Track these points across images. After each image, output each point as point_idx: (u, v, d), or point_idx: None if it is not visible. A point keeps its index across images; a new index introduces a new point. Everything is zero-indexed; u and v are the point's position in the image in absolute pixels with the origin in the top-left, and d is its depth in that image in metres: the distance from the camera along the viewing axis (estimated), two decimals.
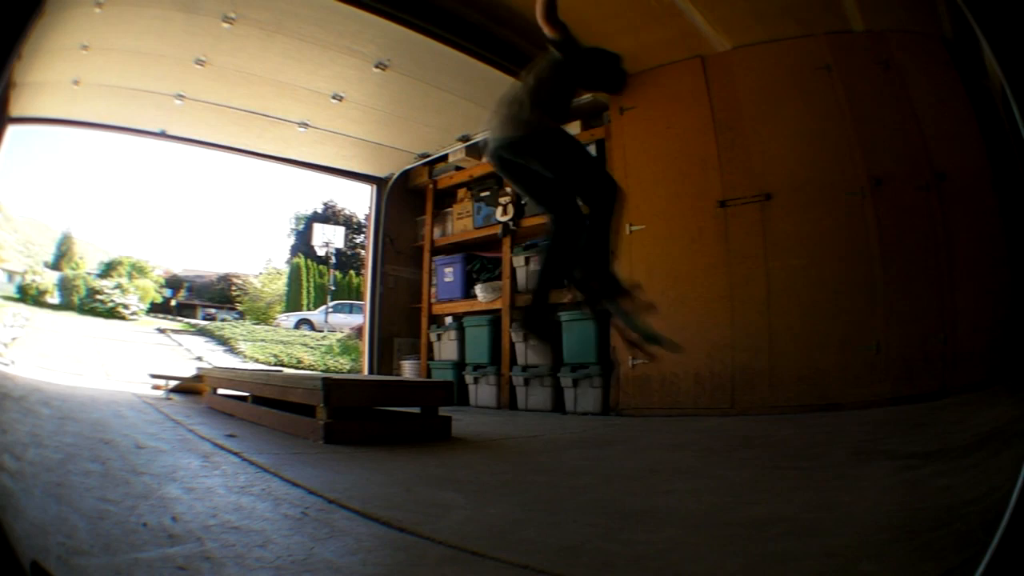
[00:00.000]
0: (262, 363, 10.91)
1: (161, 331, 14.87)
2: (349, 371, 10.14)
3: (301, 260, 21.82)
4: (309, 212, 26.15)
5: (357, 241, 23.14)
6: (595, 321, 4.19)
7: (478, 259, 5.68)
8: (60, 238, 20.64)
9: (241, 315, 20.53)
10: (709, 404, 3.66)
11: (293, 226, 26.80)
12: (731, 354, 3.63)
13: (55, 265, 19.07)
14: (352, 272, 21.26)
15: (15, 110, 4.49)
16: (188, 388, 4.80)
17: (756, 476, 2.00)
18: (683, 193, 4.01)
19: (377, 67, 4.30)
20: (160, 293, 20.55)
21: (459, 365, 5.41)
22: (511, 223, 5.27)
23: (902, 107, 3.34)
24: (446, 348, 5.62)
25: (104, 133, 5.55)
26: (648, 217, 4.06)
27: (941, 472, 1.73)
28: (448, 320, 5.85)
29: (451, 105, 4.84)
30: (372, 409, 3.26)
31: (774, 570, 1.14)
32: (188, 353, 11.23)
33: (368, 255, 6.47)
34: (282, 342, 13.40)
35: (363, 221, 23.18)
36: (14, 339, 8.00)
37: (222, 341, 13.20)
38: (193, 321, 19.16)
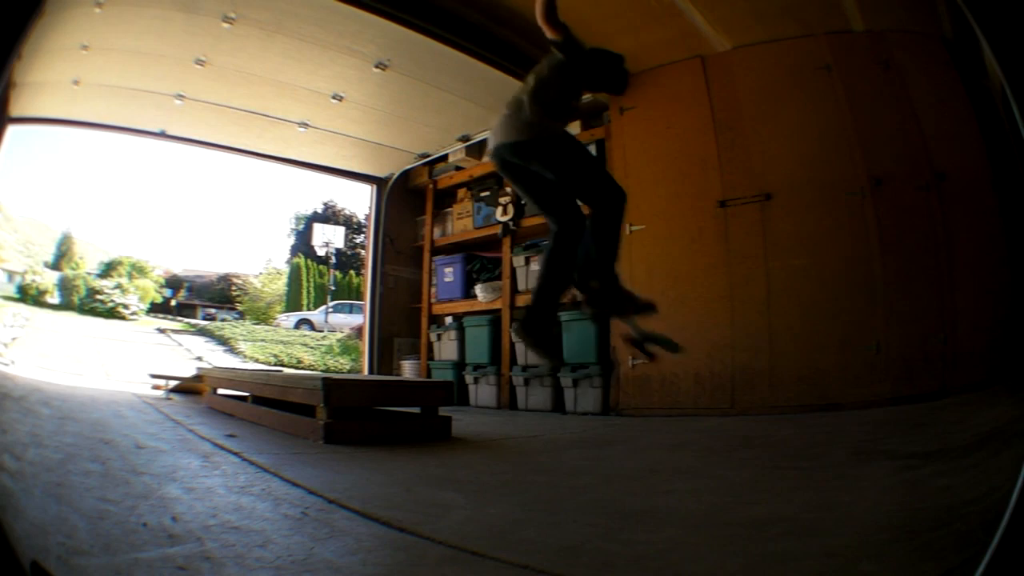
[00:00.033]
0: (262, 363, 10.91)
1: (161, 331, 14.87)
2: (349, 371, 10.14)
3: (301, 260, 21.83)
4: (309, 212, 26.16)
5: (357, 241, 23.15)
6: (595, 322, 4.19)
7: (478, 259, 5.68)
8: (60, 238, 20.66)
9: (241, 315, 20.54)
10: (709, 404, 3.66)
11: (293, 226, 26.81)
12: (731, 354, 3.63)
13: (55, 265, 19.07)
14: (352, 272, 21.27)
15: (15, 110, 4.49)
16: (188, 388, 4.80)
17: (756, 476, 2.00)
18: (683, 193, 4.01)
19: (377, 67, 4.30)
20: (160, 293, 20.56)
21: (459, 365, 5.41)
22: (511, 223, 5.27)
23: (902, 107, 3.34)
24: (446, 348, 5.62)
25: (104, 133, 5.56)
26: (648, 217, 4.05)
27: (941, 472, 1.73)
28: (448, 320, 5.85)
29: (451, 105, 4.84)
30: (372, 409, 3.26)
31: (774, 570, 1.14)
32: (188, 353, 11.23)
33: (368, 255, 6.47)
34: (282, 342, 13.40)
35: (363, 221, 23.19)
36: (14, 339, 8.00)
37: (222, 341, 13.20)
38: (193, 321, 19.16)
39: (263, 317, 19.52)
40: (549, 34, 2.64)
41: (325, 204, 25.94)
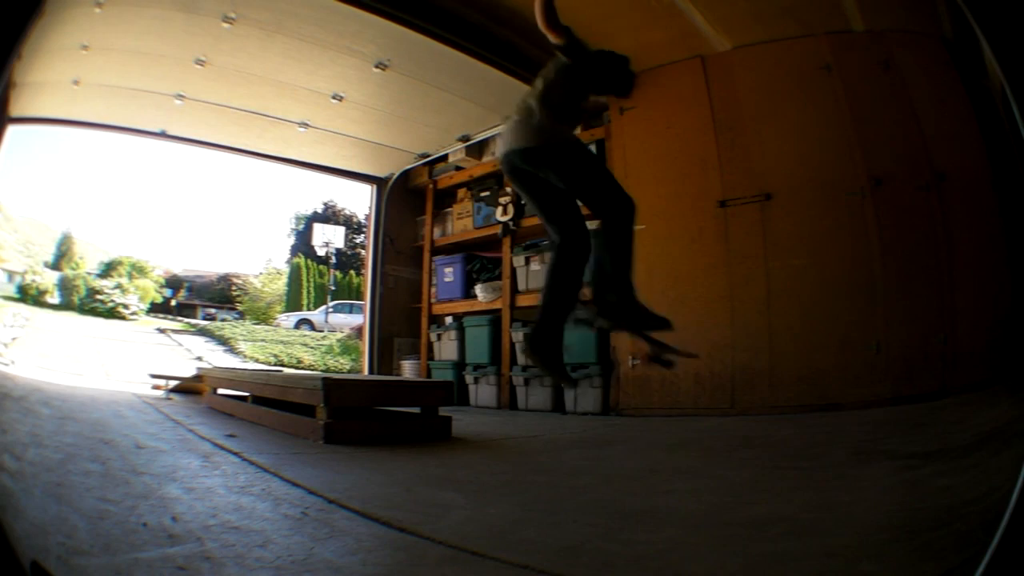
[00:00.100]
0: (262, 363, 10.91)
1: (161, 331, 14.88)
2: (349, 371, 10.14)
3: (301, 260, 21.83)
4: (309, 212, 26.17)
5: (357, 241, 23.15)
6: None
7: (478, 259, 5.68)
8: (60, 238, 20.66)
9: (241, 315, 20.54)
10: (709, 404, 3.65)
11: (293, 226, 26.82)
12: (731, 354, 3.63)
13: (55, 265, 19.08)
14: (352, 272, 21.27)
15: (15, 110, 4.49)
16: (188, 388, 4.80)
17: (756, 476, 2.00)
18: (683, 193, 4.00)
19: (377, 67, 4.30)
20: (160, 293, 20.56)
21: (459, 365, 5.41)
22: (511, 223, 5.27)
23: (902, 107, 3.34)
24: (446, 348, 5.62)
25: (104, 133, 5.56)
26: (648, 217, 4.03)
27: (941, 472, 1.73)
28: (448, 320, 5.85)
29: (451, 105, 4.84)
30: (372, 409, 3.26)
31: (774, 570, 1.14)
32: (188, 353, 11.24)
33: (368, 255, 6.47)
34: (282, 342, 13.40)
35: (363, 221, 23.19)
36: (14, 339, 8.00)
37: (222, 341, 13.20)
38: (193, 321, 19.16)
39: (263, 317, 19.52)
40: (552, 38, 2.62)
41: (325, 204, 25.94)
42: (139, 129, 5.42)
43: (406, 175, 6.32)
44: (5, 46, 0.86)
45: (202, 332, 14.87)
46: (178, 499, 1.53)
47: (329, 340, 13.91)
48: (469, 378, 5.24)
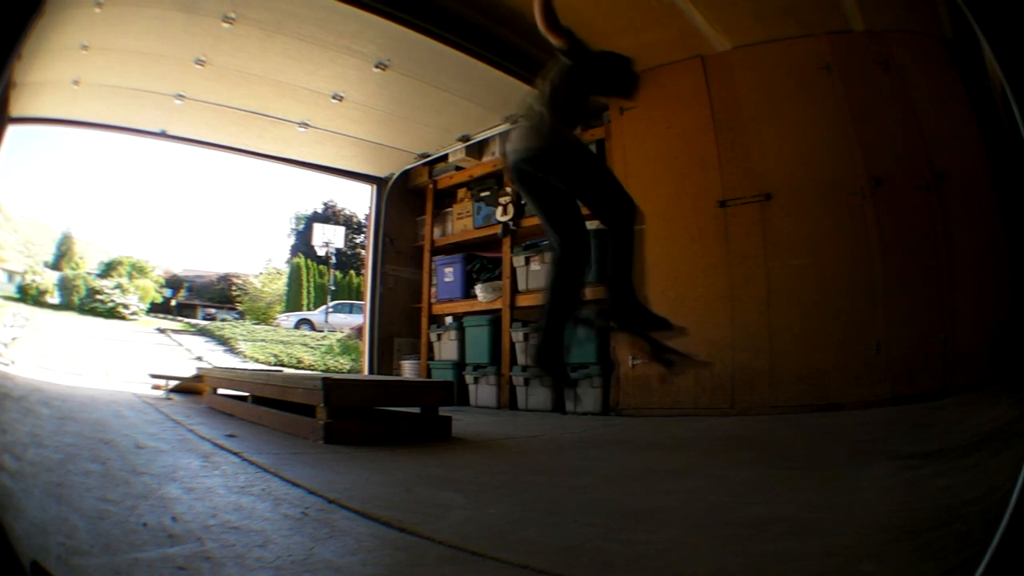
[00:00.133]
0: (262, 363, 10.91)
1: (161, 331, 14.88)
2: (349, 371, 10.14)
3: (301, 260, 21.84)
4: (309, 212, 26.18)
5: (357, 241, 23.16)
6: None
7: (478, 259, 5.68)
8: (60, 238, 20.68)
9: (241, 315, 20.55)
10: (709, 404, 3.66)
11: (293, 226, 26.84)
12: (731, 354, 3.63)
13: (55, 265, 19.09)
14: (352, 272, 21.28)
15: (15, 110, 4.49)
16: (188, 388, 4.80)
17: (756, 476, 2.00)
18: (683, 193, 4.00)
19: (377, 67, 4.30)
20: (160, 293, 20.58)
21: (459, 365, 5.41)
22: (511, 223, 5.27)
23: (902, 107, 3.34)
24: (446, 348, 5.62)
25: (104, 133, 5.56)
26: (648, 217, 4.03)
27: (941, 472, 1.73)
28: (448, 320, 5.85)
29: (451, 105, 4.84)
30: (372, 409, 3.26)
31: (774, 570, 1.14)
32: (188, 353, 11.24)
33: (368, 255, 6.47)
34: (282, 342, 13.40)
35: (363, 221, 23.20)
36: (14, 339, 8.00)
37: (222, 341, 13.21)
38: (193, 321, 19.17)
39: (263, 317, 19.53)
40: (553, 41, 2.62)
41: (325, 204, 25.96)
42: (139, 129, 5.42)
43: (406, 175, 6.32)
44: (5, 46, 0.86)
45: (202, 332, 14.88)
46: (178, 499, 1.53)
47: (329, 340, 13.91)
48: (469, 378, 5.24)
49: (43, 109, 4.88)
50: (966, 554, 0.99)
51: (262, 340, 13.39)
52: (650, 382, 3.97)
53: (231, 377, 4.35)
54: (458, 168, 5.98)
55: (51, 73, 4.33)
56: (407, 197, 6.44)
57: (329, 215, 24.94)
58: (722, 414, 3.62)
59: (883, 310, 3.33)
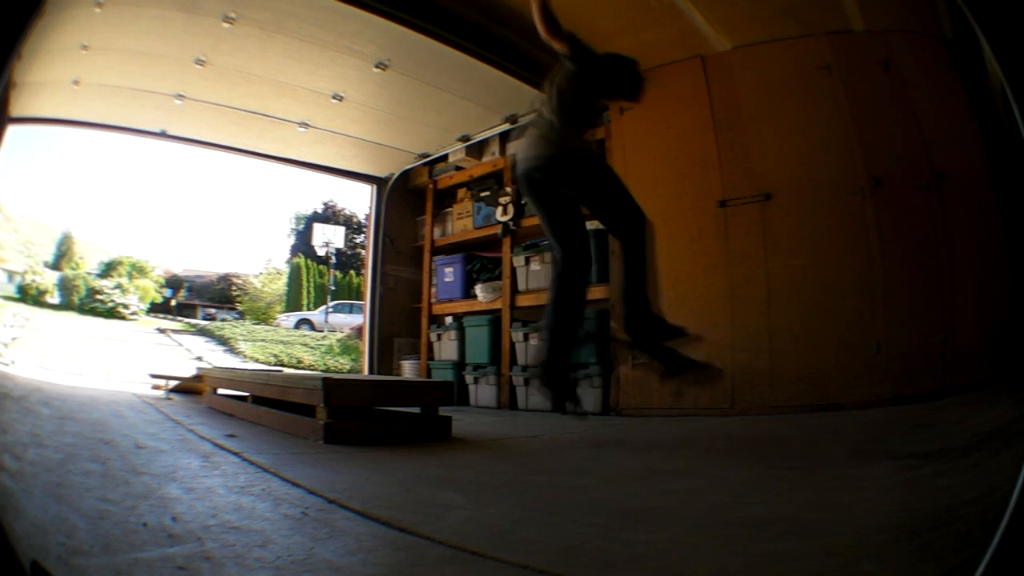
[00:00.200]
0: (262, 363, 10.91)
1: (161, 331, 14.89)
2: (349, 371, 10.14)
3: (301, 260, 21.84)
4: (309, 212, 26.19)
5: (357, 241, 23.16)
6: (595, 321, 4.19)
7: (478, 259, 5.68)
8: (60, 238, 20.69)
9: (241, 315, 20.56)
10: (709, 404, 3.65)
11: (293, 226, 26.85)
12: (731, 354, 3.63)
13: (55, 265, 19.09)
14: (352, 272, 21.28)
15: (15, 110, 4.49)
16: (188, 388, 4.80)
17: (756, 476, 2.00)
18: (683, 193, 4.00)
19: (377, 67, 4.30)
20: (160, 293, 20.59)
21: (459, 365, 5.41)
22: (511, 223, 5.27)
23: (902, 107, 3.34)
24: (446, 348, 5.62)
25: (104, 133, 5.56)
26: (648, 217, 4.06)
27: (941, 472, 1.73)
28: (448, 320, 5.85)
29: (451, 105, 4.84)
30: (372, 409, 3.26)
31: (774, 570, 1.14)
32: (188, 353, 11.24)
33: (368, 255, 6.47)
34: (282, 342, 13.41)
35: (363, 221, 23.20)
36: (14, 339, 8.01)
37: (222, 341, 13.22)
38: (193, 321, 19.18)
39: (263, 317, 19.53)
40: (556, 47, 2.60)
41: (325, 204, 25.97)
42: (139, 129, 5.43)
43: (406, 175, 6.32)
44: (5, 46, 0.86)
45: (202, 332, 14.89)
46: (178, 499, 1.53)
47: (329, 340, 13.92)
48: (469, 378, 5.24)
49: (43, 109, 4.88)
50: (966, 554, 0.99)
51: (262, 340, 13.39)
52: (650, 382, 3.96)
53: (231, 377, 4.35)
54: (458, 168, 5.98)
55: (51, 73, 4.33)
56: (407, 197, 6.44)
57: (329, 215, 24.95)
58: (722, 414, 3.62)
59: (883, 310, 3.33)
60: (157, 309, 19.65)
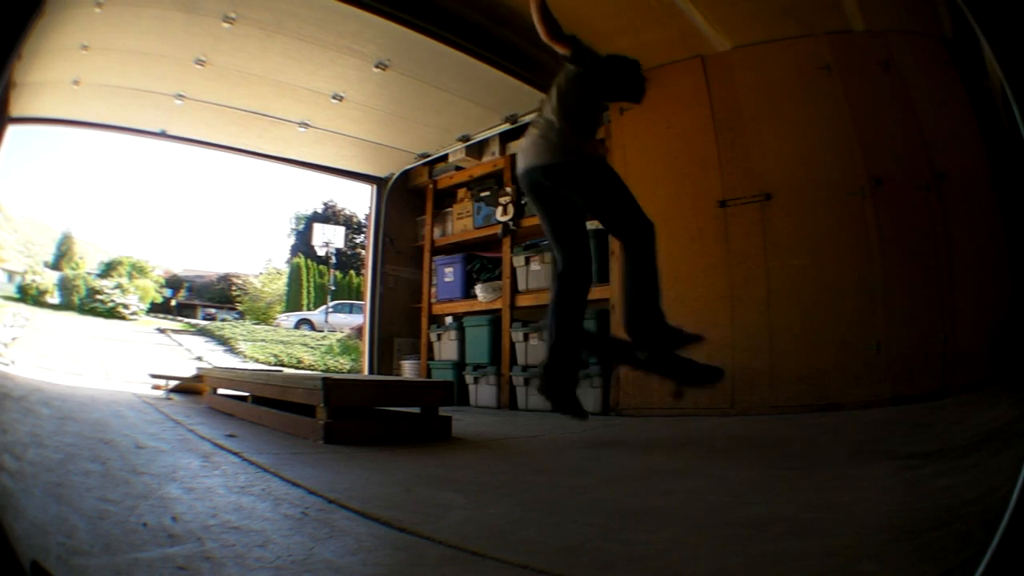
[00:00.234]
0: (262, 363, 10.92)
1: (161, 331, 14.89)
2: (349, 371, 10.14)
3: (301, 260, 21.85)
4: (309, 212, 26.20)
5: (357, 241, 23.17)
6: (595, 321, 4.20)
7: (478, 259, 5.68)
8: (60, 238, 20.69)
9: (241, 315, 20.56)
10: (709, 404, 3.65)
11: (293, 226, 26.86)
12: (731, 354, 3.63)
13: (55, 265, 19.10)
14: (352, 272, 21.28)
15: (15, 110, 4.49)
16: (188, 388, 4.80)
17: (756, 476, 2.00)
18: (683, 193, 4.00)
19: (377, 67, 4.30)
20: (160, 293, 20.59)
21: (459, 365, 5.41)
22: (511, 223, 5.27)
23: (902, 107, 3.34)
24: (446, 348, 5.62)
25: (104, 133, 5.56)
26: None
27: (941, 472, 1.73)
28: (448, 320, 5.85)
29: (451, 105, 4.84)
30: (372, 409, 3.26)
31: (774, 570, 1.14)
32: (188, 353, 11.24)
33: (368, 255, 6.47)
34: (282, 342, 13.41)
35: (363, 221, 23.20)
36: (14, 339, 8.01)
37: (222, 341, 13.22)
38: (193, 321, 19.19)
39: (263, 317, 19.54)
40: (558, 50, 2.59)
41: (325, 204, 25.97)
42: (139, 129, 5.42)
43: (406, 175, 6.32)
44: (5, 46, 0.86)
45: (202, 332, 14.89)
46: (178, 499, 1.53)
47: (329, 340, 13.92)
48: (469, 378, 5.24)
49: (43, 109, 4.88)
50: (966, 554, 0.99)
51: (262, 340, 13.39)
52: (650, 382, 3.96)
53: (231, 377, 4.35)
54: (458, 168, 5.98)
55: (51, 73, 4.33)
56: (407, 197, 6.44)
57: (329, 215, 24.95)
58: (722, 414, 3.62)
59: (883, 310, 3.33)
60: (157, 309, 19.66)
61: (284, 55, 4.20)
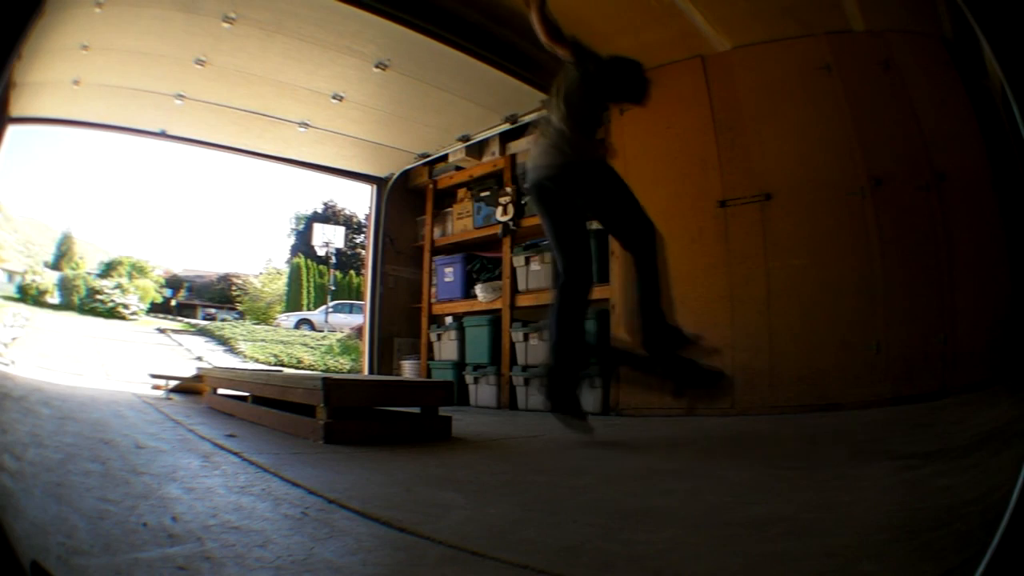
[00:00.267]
0: (262, 363, 10.91)
1: (161, 331, 14.89)
2: (349, 371, 10.14)
3: (301, 260, 21.85)
4: (309, 212, 26.20)
5: (357, 241, 23.16)
6: (595, 320, 4.19)
7: (478, 259, 5.68)
8: (60, 238, 20.69)
9: (241, 315, 20.56)
10: (709, 404, 3.65)
11: (293, 226, 26.86)
12: (731, 354, 3.63)
13: (55, 265, 19.10)
14: (352, 272, 21.28)
15: (15, 110, 4.49)
16: (188, 388, 4.80)
17: (756, 476, 2.00)
18: (683, 193, 4.00)
19: (377, 67, 4.30)
20: (160, 293, 20.59)
21: (459, 365, 5.41)
22: (511, 223, 5.27)
23: (902, 107, 3.34)
24: (446, 348, 5.62)
25: (104, 133, 5.56)
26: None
27: (941, 472, 1.73)
28: (448, 320, 5.85)
29: (451, 105, 4.84)
30: (372, 409, 3.26)
31: (774, 570, 1.14)
32: (188, 353, 11.24)
33: (368, 255, 6.47)
34: (282, 342, 13.41)
35: (363, 221, 23.20)
36: (14, 339, 8.01)
37: (222, 341, 13.22)
38: (193, 321, 19.19)
39: (263, 317, 19.54)
40: (560, 53, 2.59)
41: (325, 204, 25.97)
42: (139, 129, 5.42)
43: (406, 175, 6.32)
44: (5, 46, 0.86)
45: (202, 332, 14.89)
46: (178, 499, 1.53)
47: (329, 340, 13.92)
48: (469, 378, 5.24)
49: (43, 109, 4.88)
50: (966, 554, 0.99)
51: (262, 340, 13.39)
52: (650, 382, 3.96)
53: (231, 377, 4.35)
54: (458, 168, 5.98)
55: (51, 73, 4.33)
56: (407, 197, 6.44)
57: (329, 215, 24.95)
58: (722, 414, 3.62)
59: (883, 310, 3.33)
60: (157, 309, 19.66)
61: (284, 55, 4.20)
